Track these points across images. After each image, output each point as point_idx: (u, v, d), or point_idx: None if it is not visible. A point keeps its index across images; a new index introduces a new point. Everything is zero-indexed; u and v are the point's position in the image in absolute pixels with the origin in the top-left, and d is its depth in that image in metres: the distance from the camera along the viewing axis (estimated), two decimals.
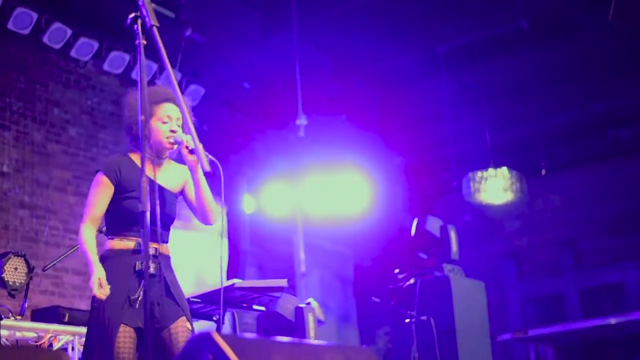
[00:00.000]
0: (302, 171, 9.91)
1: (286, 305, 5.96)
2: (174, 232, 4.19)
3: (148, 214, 2.99)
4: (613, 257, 10.25)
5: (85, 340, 3.83)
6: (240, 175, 9.93)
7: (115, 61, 8.60)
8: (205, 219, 4.06)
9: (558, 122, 10.40)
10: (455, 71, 10.15)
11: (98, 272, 3.72)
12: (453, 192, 10.01)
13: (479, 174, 9.17)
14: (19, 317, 5.42)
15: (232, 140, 10.00)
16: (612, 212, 10.30)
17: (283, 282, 5.01)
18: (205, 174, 3.78)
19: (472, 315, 7.45)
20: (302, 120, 8.99)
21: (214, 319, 5.14)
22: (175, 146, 3.94)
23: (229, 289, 4.78)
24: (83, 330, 5.64)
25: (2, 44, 8.00)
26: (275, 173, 10.01)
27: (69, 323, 5.70)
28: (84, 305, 7.81)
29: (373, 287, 9.07)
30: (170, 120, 3.96)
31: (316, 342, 5.68)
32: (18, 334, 5.38)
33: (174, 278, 4.01)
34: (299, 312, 5.97)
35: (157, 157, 4.00)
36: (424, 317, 6.97)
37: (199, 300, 4.86)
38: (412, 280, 7.34)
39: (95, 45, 8.37)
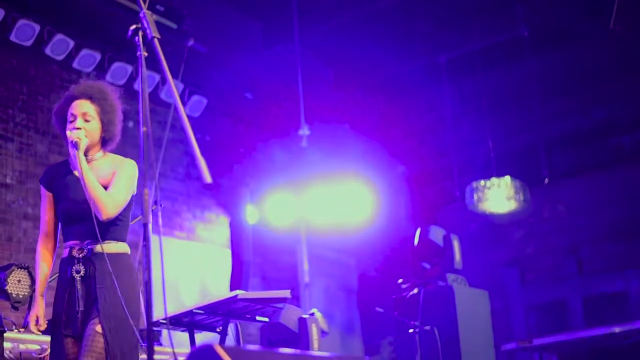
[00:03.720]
0: (305, 181, 9.90)
1: (290, 316, 5.94)
2: (178, 243, 4.18)
3: (150, 226, 2.97)
4: (616, 264, 10.23)
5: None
6: (243, 186, 9.93)
7: (118, 72, 8.61)
8: (96, 212, 3.78)
9: (560, 130, 10.40)
10: (457, 80, 10.16)
11: (35, 309, 3.89)
12: (456, 201, 10.00)
13: (482, 183, 9.16)
14: (22, 330, 5.41)
15: (235, 150, 10.01)
16: (615, 219, 10.28)
17: (286, 293, 5.00)
18: (208, 185, 3.79)
19: (476, 325, 7.44)
20: (304, 130, 8.99)
21: (218, 330, 5.14)
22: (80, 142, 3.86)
23: (232, 300, 4.77)
24: None
25: (4, 55, 8.02)
26: (278, 183, 10.00)
27: None
28: None
29: (377, 297, 9.05)
30: (75, 118, 3.91)
31: (320, 353, 5.67)
32: (21, 347, 5.36)
33: (111, 281, 3.76)
34: (302, 322, 5.95)
35: (85, 155, 3.91)
36: (427, 327, 6.95)
37: (202, 311, 4.85)
38: (415, 290, 7.32)
39: (98, 56, 8.39)
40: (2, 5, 7.68)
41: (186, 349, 5.04)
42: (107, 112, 3.96)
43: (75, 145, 3.79)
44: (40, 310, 3.84)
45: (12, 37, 7.83)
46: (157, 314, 3.91)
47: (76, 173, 3.93)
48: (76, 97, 3.95)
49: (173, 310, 4.91)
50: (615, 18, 7.04)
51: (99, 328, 3.72)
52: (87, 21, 8.34)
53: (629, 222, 10.15)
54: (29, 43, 7.94)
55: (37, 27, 7.88)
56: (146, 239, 2.95)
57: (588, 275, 10.48)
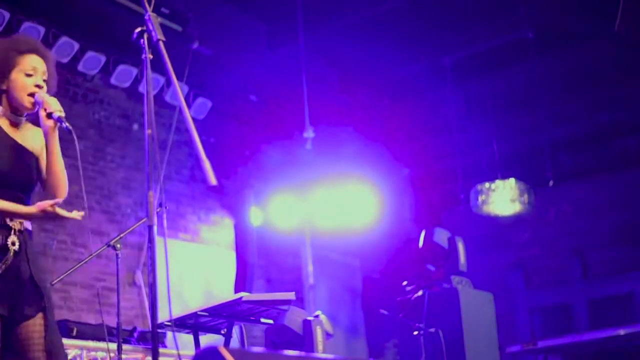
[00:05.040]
0: (310, 183, 9.91)
1: (294, 318, 5.95)
2: (182, 245, 4.16)
3: (155, 228, 2.96)
4: (621, 267, 10.21)
5: None
6: (247, 188, 9.94)
7: (123, 75, 8.63)
8: (55, 192, 3.55)
9: (565, 132, 10.38)
10: (461, 82, 10.16)
11: None
12: (460, 203, 9.99)
13: (487, 185, 9.16)
14: None
15: (240, 153, 10.01)
16: (620, 222, 10.27)
17: (291, 295, 5.01)
18: (212, 187, 3.74)
19: (481, 327, 7.43)
20: (309, 133, 9.00)
21: (222, 332, 5.14)
22: (36, 107, 3.56)
23: (237, 302, 4.78)
24: (92, 344, 5.66)
25: None
26: (282, 185, 10.01)
27: (77, 337, 5.70)
28: (92, 319, 7.82)
29: (381, 299, 9.05)
30: (36, 73, 3.60)
31: (324, 355, 5.67)
32: None
33: (37, 256, 3.57)
34: (307, 325, 5.96)
35: (15, 114, 3.61)
36: (432, 329, 6.95)
37: (207, 313, 4.86)
38: (420, 292, 7.32)
39: (103, 59, 8.40)
40: (7, 7, 7.69)
41: (190, 351, 5.04)
42: (52, 77, 3.72)
43: (60, 120, 3.49)
44: None
45: None
46: (162, 316, 3.92)
47: (9, 133, 3.56)
48: (35, 51, 3.63)
49: (177, 312, 4.91)
50: (620, 20, 7.03)
51: (42, 323, 3.46)
52: (92, 23, 8.35)
53: (634, 225, 10.14)
54: None
55: (42, 30, 7.89)
56: (151, 241, 2.95)
57: (593, 277, 10.46)
